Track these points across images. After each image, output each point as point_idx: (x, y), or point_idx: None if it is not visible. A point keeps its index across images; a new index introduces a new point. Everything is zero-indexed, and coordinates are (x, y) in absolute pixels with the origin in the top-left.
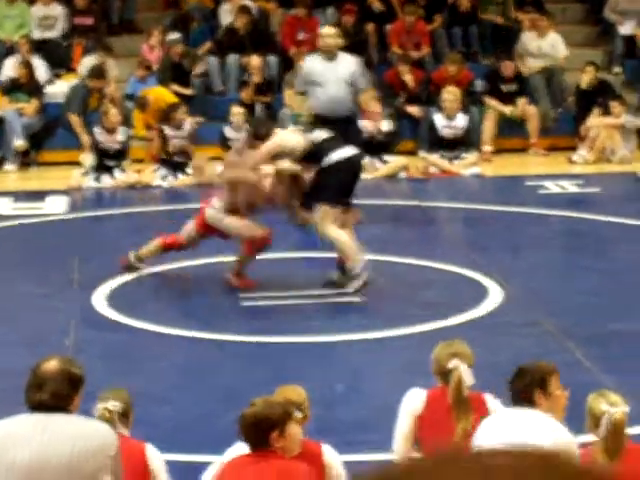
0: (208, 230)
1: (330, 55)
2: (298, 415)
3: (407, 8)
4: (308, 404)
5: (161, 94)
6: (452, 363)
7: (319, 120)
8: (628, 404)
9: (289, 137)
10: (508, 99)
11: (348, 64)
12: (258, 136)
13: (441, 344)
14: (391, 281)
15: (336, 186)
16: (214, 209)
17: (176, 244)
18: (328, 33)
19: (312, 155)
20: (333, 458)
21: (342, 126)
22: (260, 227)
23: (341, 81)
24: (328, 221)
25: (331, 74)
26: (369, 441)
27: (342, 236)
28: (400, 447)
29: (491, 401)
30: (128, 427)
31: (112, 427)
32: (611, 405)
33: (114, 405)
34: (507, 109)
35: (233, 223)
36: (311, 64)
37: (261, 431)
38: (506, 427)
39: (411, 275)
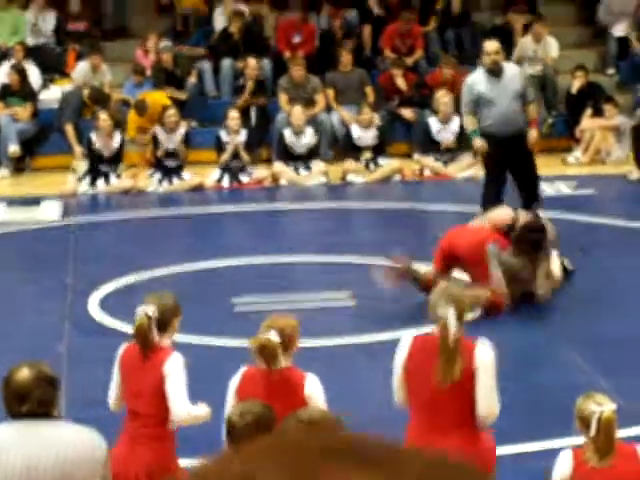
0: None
1: (497, 71)
2: (276, 339)
3: (404, 14)
4: (293, 331)
5: (158, 98)
6: (440, 309)
7: (491, 139)
8: (624, 407)
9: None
10: None
11: (515, 77)
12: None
13: (438, 288)
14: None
15: None
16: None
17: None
18: (493, 49)
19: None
20: (315, 389)
21: (515, 144)
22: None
23: (513, 97)
24: None
25: (501, 91)
26: None
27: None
28: (397, 398)
29: (481, 350)
30: (168, 333)
31: (147, 334)
32: (599, 404)
33: (151, 311)
34: None
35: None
36: (477, 82)
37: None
38: None
39: None
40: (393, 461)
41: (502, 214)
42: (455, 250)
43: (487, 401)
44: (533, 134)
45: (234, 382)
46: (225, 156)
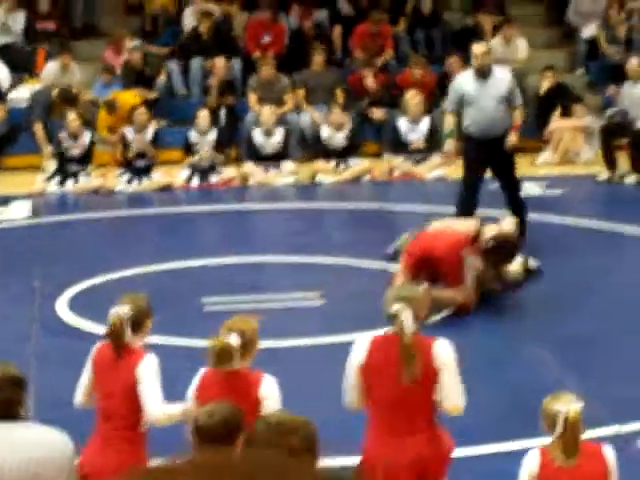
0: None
1: (484, 73)
2: (235, 342)
3: (374, 15)
4: (254, 334)
5: (128, 98)
6: (394, 308)
7: (472, 140)
8: (589, 406)
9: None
10: None
11: (502, 81)
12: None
13: (391, 287)
14: (356, 284)
15: None
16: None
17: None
18: (482, 51)
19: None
20: (270, 391)
21: (494, 148)
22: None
23: (495, 100)
24: None
25: (485, 93)
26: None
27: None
28: (349, 399)
29: (441, 347)
30: (140, 335)
31: (121, 334)
32: (565, 404)
33: (125, 311)
34: None
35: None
36: (463, 82)
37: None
38: None
39: (375, 278)
40: None
41: (465, 226)
42: (432, 252)
43: (452, 397)
44: (512, 138)
45: (193, 385)
46: (196, 157)
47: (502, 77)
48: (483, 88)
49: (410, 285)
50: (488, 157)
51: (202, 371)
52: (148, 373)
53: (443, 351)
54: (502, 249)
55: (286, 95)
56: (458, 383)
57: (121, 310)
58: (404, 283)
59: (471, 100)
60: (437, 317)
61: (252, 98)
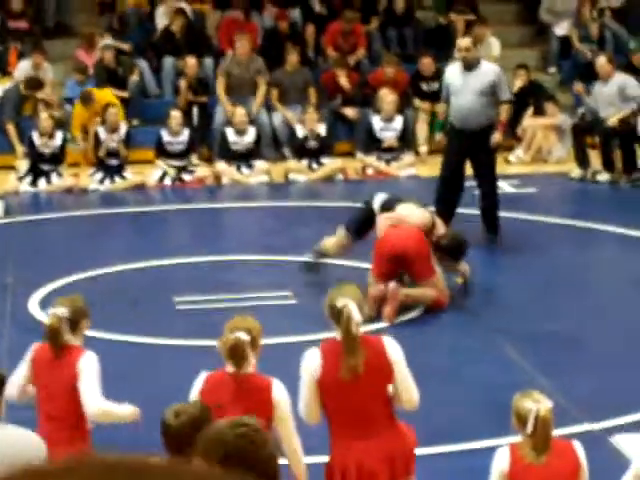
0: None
1: (469, 65)
2: (245, 337)
3: (346, 13)
4: (258, 333)
5: (104, 96)
6: (340, 301)
7: (452, 130)
8: (562, 404)
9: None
10: (431, 98)
11: (486, 75)
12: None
13: (332, 289)
14: (326, 283)
15: None
16: None
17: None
18: (463, 46)
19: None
20: (281, 395)
21: (474, 140)
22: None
23: (475, 92)
24: None
25: (466, 85)
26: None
27: None
28: (307, 413)
29: (390, 344)
30: (78, 334)
31: (58, 334)
32: (535, 402)
33: (62, 312)
34: (426, 106)
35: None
36: (450, 73)
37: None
38: None
39: (346, 277)
40: None
41: (418, 217)
42: (398, 250)
43: (409, 392)
44: (495, 136)
45: (197, 386)
46: (166, 167)
47: (487, 71)
48: (465, 80)
49: (351, 284)
50: (468, 149)
51: (204, 374)
52: (87, 369)
53: (393, 348)
54: (453, 249)
55: (259, 76)
56: (410, 377)
57: (58, 311)
58: (344, 283)
59: (454, 91)
60: (410, 315)
61: (221, 83)
